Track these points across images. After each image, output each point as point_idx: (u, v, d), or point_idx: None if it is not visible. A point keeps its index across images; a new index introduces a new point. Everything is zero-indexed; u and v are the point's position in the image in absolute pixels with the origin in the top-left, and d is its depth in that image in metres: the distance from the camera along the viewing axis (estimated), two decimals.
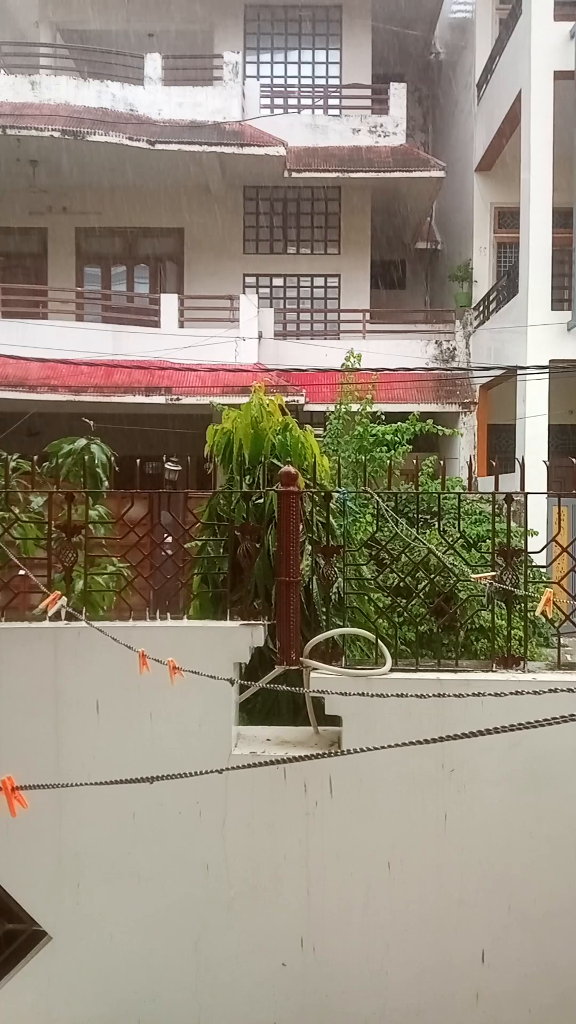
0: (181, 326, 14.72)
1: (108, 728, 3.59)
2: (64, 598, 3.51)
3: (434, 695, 3.28)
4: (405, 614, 4.85)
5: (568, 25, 11.80)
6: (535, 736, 3.41)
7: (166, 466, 7.35)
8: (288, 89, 16.93)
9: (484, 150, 14.84)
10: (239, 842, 3.57)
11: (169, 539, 4.17)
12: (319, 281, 16.71)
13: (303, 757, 1.99)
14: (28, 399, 13.15)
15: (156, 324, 14.62)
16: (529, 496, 3.96)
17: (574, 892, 3.53)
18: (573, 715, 1.66)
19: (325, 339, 15.32)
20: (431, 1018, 3.56)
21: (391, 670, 3.60)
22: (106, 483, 4.83)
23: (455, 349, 15.33)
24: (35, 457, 4.32)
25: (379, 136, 16.01)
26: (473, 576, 3.92)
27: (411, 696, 2.87)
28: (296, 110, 16.43)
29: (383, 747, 2.01)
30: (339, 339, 15.11)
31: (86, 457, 4.83)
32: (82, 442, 5.04)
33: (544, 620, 4.63)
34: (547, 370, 11.90)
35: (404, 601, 4.30)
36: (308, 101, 16.88)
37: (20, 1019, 3.62)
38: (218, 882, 3.58)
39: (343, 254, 16.63)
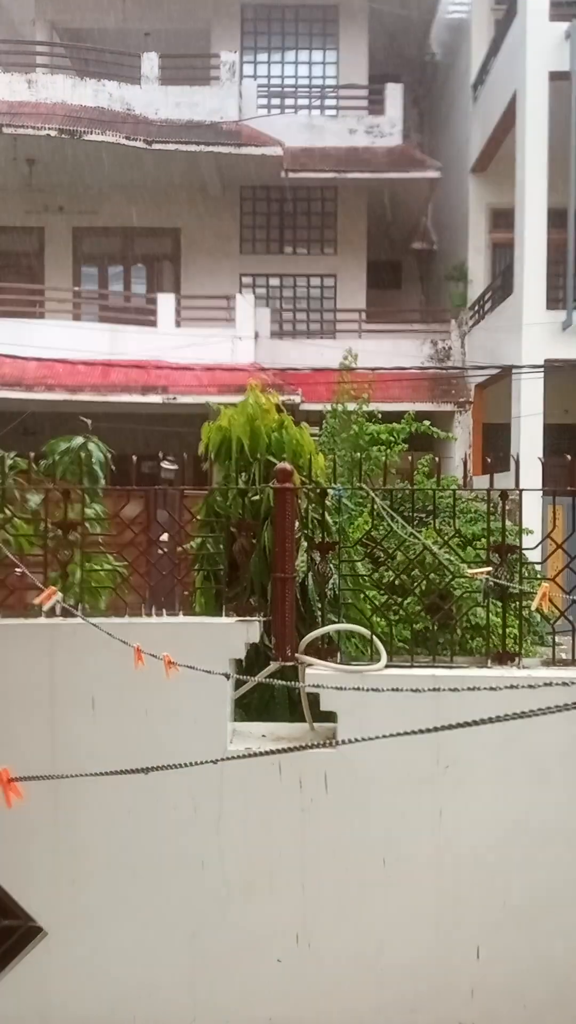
0: (178, 325, 14.71)
1: (104, 724, 3.59)
2: (59, 593, 3.52)
3: (429, 689, 3.29)
4: (401, 612, 4.86)
5: (563, 25, 11.82)
6: (530, 732, 3.43)
7: (162, 465, 7.35)
8: (285, 89, 16.93)
9: (480, 150, 14.86)
10: (234, 838, 3.57)
11: (165, 536, 4.17)
12: (315, 281, 16.73)
13: (297, 748, 2.00)
14: (25, 398, 13.14)
15: (153, 323, 14.62)
16: (524, 494, 3.97)
17: (569, 887, 3.54)
18: (567, 705, 1.67)
19: (321, 339, 15.33)
20: (427, 1013, 3.57)
21: (386, 666, 3.61)
22: (103, 481, 4.83)
23: (451, 348, 15.36)
24: (31, 455, 4.32)
25: (375, 137, 16.03)
26: (468, 571, 3.94)
27: (406, 691, 2.88)
28: (293, 110, 16.44)
29: (377, 737, 2.02)
30: (335, 339, 15.12)
31: (83, 455, 4.83)
32: (79, 440, 5.05)
33: (539, 617, 4.64)
34: (542, 369, 11.92)
35: (399, 599, 4.31)
36: (305, 101, 16.90)
37: (16, 1015, 3.62)
38: (214, 878, 3.58)
39: (339, 254, 16.65)
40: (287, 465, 3.80)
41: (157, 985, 3.61)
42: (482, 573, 3.79)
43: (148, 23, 16.59)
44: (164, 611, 3.81)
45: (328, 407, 10.60)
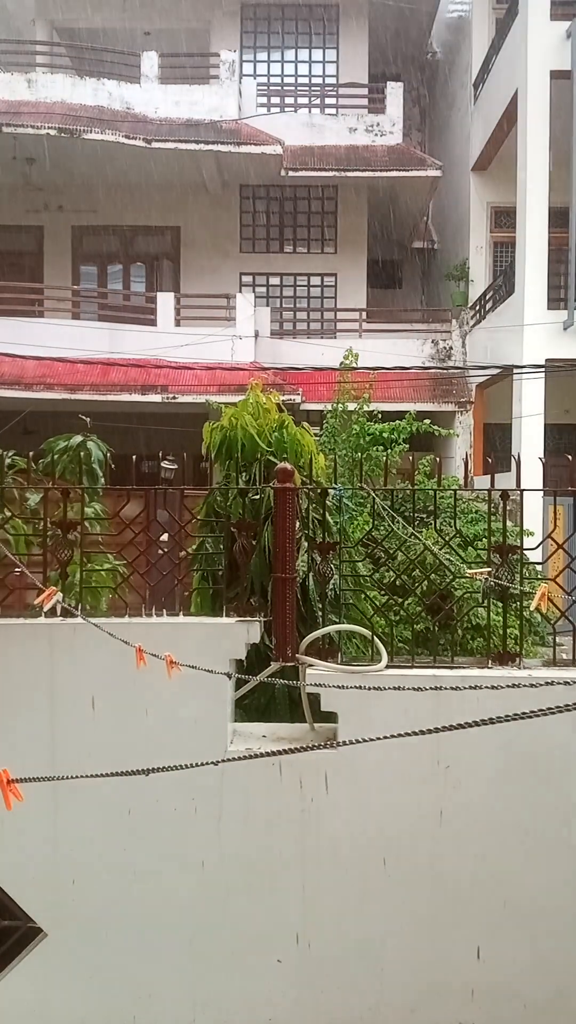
0: (177, 324, 14.69)
1: (103, 725, 3.58)
2: (60, 593, 3.51)
3: (430, 689, 3.28)
4: (401, 612, 4.85)
5: (565, 24, 11.81)
6: (530, 733, 3.42)
7: (162, 464, 7.35)
8: (285, 88, 16.91)
9: (481, 149, 14.85)
10: (234, 839, 3.57)
11: (165, 536, 4.17)
12: (315, 280, 16.71)
13: (298, 749, 1.99)
14: (24, 397, 13.12)
15: (152, 323, 14.60)
16: (525, 494, 3.96)
17: (568, 888, 3.54)
18: (568, 706, 1.66)
19: (322, 338, 15.31)
20: (426, 1014, 3.57)
21: (387, 667, 3.61)
22: (102, 480, 4.83)
23: (451, 348, 15.34)
24: (30, 454, 4.31)
25: (376, 135, 16.01)
26: (468, 571, 3.93)
27: (407, 689, 2.87)
28: (293, 109, 16.41)
29: (378, 738, 2.02)
30: (335, 338, 15.10)
31: (82, 454, 4.83)
32: (78, 439, 5.05)
33: (540, 618, 4.63)
34: (543, 369, 11.91)
35: (400, 599, 4.30)
36: (305, 100, 16.87)
37: (15, 1016, 3.61)
38: (214, 879, 3.58)
39: (339, 253, 16.63)
40: (288, 465, 3.80)
41: (157, 986, 3.60)
42: (482, 573, 3.79)
43: (148, 22, 16.57)
44: (164, 611, 3.81)
45: (328, 407, 10.59)
